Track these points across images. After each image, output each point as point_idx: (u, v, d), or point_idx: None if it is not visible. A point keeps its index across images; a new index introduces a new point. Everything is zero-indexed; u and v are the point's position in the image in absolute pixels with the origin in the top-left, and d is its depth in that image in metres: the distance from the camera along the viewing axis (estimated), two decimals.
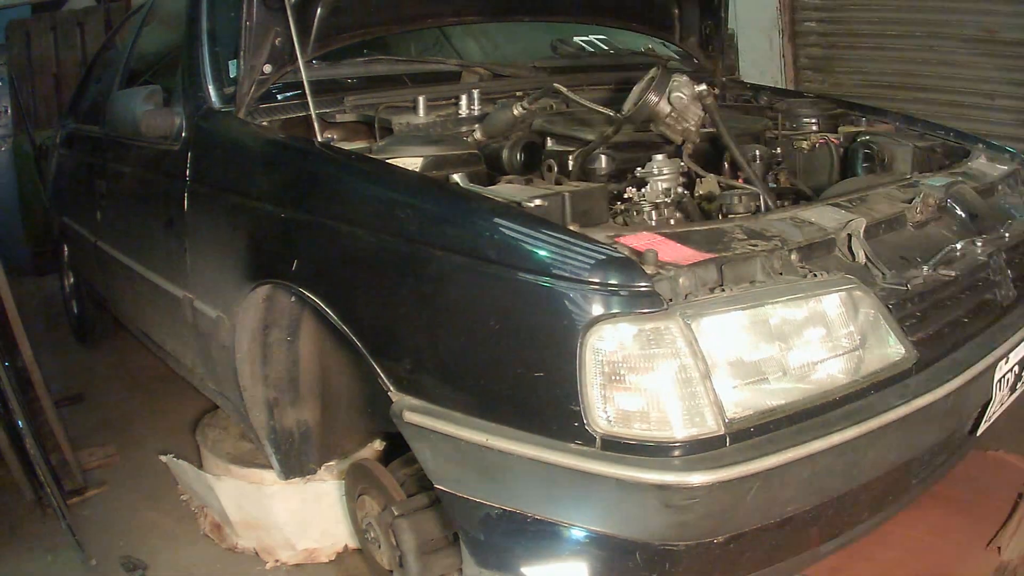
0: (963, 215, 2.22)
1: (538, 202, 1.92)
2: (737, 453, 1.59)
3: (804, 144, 2.77)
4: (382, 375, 1.96)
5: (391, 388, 1.94)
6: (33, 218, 6.59)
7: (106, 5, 7.72)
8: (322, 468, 2.68)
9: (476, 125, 2.64)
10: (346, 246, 2.09)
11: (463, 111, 2.74)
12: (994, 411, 2.14)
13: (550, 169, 2.39)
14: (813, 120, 2.86)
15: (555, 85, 2.59)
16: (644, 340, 1.57)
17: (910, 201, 2.15)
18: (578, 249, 1.66)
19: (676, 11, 3.40)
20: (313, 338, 2.44)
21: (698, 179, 2.42)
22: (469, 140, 2.58)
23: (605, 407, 1.60)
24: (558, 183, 2.30)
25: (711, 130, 2.54)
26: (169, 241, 2.79)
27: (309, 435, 2.61)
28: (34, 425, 3.16)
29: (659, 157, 2.28)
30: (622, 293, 1.59)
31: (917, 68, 5.00)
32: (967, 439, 2.18)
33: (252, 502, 2.76)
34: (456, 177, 2.15)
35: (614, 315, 1.58)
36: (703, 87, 2.47)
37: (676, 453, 1.58)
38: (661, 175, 2.24)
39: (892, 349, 1.81)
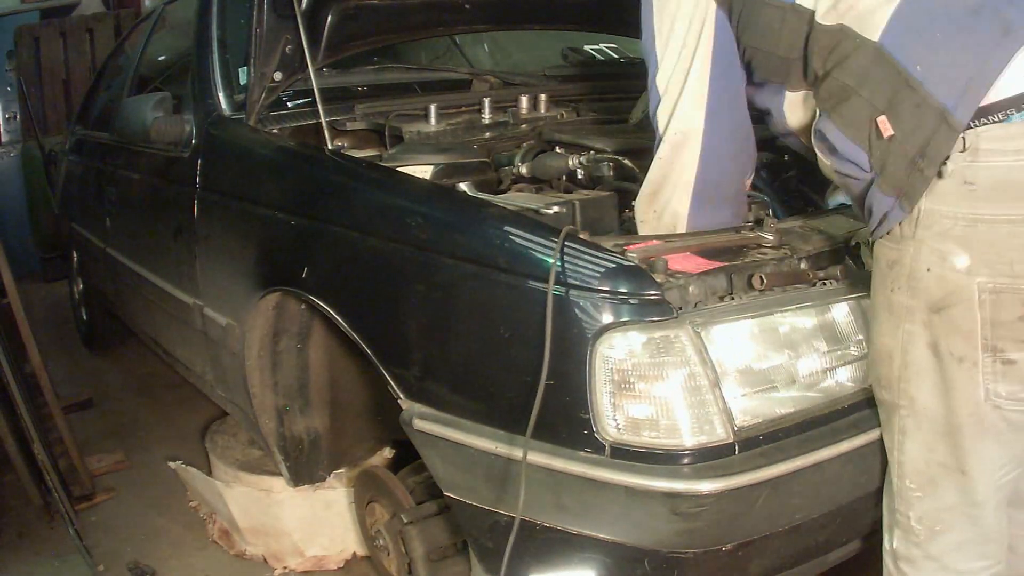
0: None
1: (556, 209, 1.92)
2: (746, 461, 1.59)
3: None
4: (392, 383, 1.96)
5: (401, 396, 1.94)
6: (42, 224, 6.60)
7: (116, 12, 7.74)
8: (331, 475, 2.68)
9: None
10: (356, 254, 2.09)
11: (474, 119, 2.74)
12: None
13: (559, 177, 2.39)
14: None
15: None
16: (654, 348, 1.58)
17: None
18: (588, 257, 1.66)
19: None
20: (323, 345, 2.44)
21: None
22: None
23: (615, 415, 1.60)
24: (568, 191, 2.30)
25: None
26: (179, 248, 2.80)
27: (318, 442, 2.61)
28: (42, 430, 3.16)
29: None
30: (632, 301, 1.59)
31: None
32: None
33: (261, 509, 2.76)
34: (464, 185, 2.15)
35: (624, 323, 1.58)
36: None
37: (685, 461, 1.58)
38: None
39: None
